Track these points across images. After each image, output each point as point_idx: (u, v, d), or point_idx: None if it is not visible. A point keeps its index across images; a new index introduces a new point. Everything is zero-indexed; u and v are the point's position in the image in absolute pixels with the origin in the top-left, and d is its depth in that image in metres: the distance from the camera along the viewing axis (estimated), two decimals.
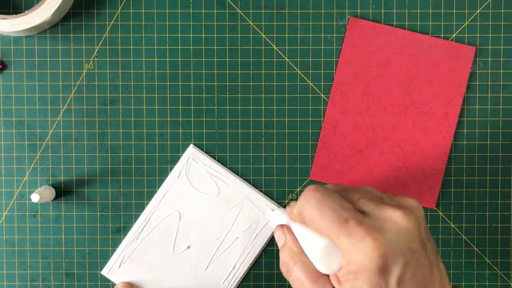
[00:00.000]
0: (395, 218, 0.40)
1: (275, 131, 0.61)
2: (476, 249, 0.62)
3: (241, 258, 0.61)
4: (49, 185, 0.61)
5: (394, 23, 0.61)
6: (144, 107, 0.61)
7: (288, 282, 0.60)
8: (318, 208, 0.41)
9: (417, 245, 0.40)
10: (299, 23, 0.61)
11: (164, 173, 0.61)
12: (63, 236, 0.61)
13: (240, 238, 0.61)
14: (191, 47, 0.61)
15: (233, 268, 0.61)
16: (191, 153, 0.61)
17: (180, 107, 0.61)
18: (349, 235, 0.39)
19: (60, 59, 0.61)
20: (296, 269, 0.45)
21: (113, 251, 0.61)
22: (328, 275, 0.43)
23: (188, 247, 0.61)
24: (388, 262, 0.39)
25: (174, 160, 0.61)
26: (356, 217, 0.40)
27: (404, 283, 0.39)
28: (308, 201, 0.42)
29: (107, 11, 0.61)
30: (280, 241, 0.48)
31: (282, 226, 0.48)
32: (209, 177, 0.61)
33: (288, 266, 0.45)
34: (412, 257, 0.40)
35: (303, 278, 0.44)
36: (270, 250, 0.61)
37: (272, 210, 0.59)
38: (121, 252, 0.61)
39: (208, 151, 0.61)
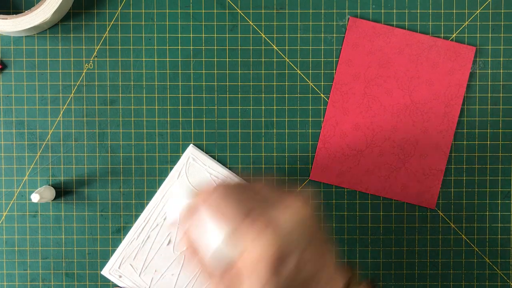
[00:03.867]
0: (289, 214, 0.42)
1: (275, 131, 0.61)
2: (476, 249, 0.62)
3: None
4: (49, 185, 0.61)
5: (394, 23, 0.61)
6: (144, 107, 0.61)
7: None
8: (224, 196, 0.43)
9: (310, 238, 0.43)
10: (299, 23, 0.61)
11: (164, 173, 0.61)
12: (63, 236, 0.61)
13: None
14: (191, 47, 0.61)
15: None
16: (191, 153, 0.61)
17: (180, 107, 0.61)
18: (250, 227, 0.42)
19: (60, 59, 0.61)
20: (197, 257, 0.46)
21: (113, 251, 0.61)
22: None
23: None
24: (288, 250, 0.41)
25: (174, 160, 0.61)
26: (257, 210, 0.42)
27: (301, 269, 0.42)
28: (216, 189, 0.44)
29: (107, 11, 0.61)
30: (182, 226, 0.48)
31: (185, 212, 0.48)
32: (209, 177, 0.61)
33: (191, 253, 0.46)
34: (305, 248, 0.42)
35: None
36: None
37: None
38: (121, 252, 0.61)
39: (208, 151, 0.61)
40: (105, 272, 0.61)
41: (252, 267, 0.41)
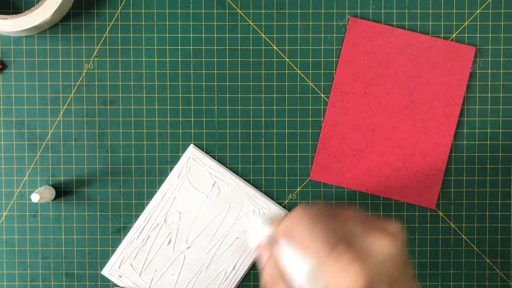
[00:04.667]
0: (382, 246, 0.41)
1: (275, 131, 0.61)
2: (476, 249, 0.62)
3: (241, 258, 0.61)
4: (49, 185, 0.61)
5: (394, 23, 0.61)
6: (144, 107, 0.61)
7: None
8: (310, 228, 0.42)
9: (398, 272, 0.41)
10: (299, 23, 0.61)
11: (164, 173, 0.61)
12: (63, 236, 0.61)
13: (240, 238, 0.61)
14: (191, 47, 0.61)
15: (233, 268, 0.61)
16: (191, 153, 0.61)
17: (180, 107, 0.61)
18: (337, 260, 0.40)
19: (60, 59, 0.61)
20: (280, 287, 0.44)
21: (113, 251, 0.61)
22: None
23: (188, 247, 0.61)
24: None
25: (174, 160, 0.61)
26: (345, 242, 0.41)
27: None
28: (300, 220, 0.42)
29: (107, 11, 0.61)
30: (263, 257, 0.47)
31: (264, 246, 0.47)
32: (209, 177, 0.61)
33: (272, 285, 0.45)
34: (394, 282, 0.41)
35: None
36: None
37: (252, 216, 0.59)
38: (121, 252, 0.61)
39: (208, 151, 0.61)
40: (105, 272, 0.61)
41: None
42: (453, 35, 0.61)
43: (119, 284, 0.61)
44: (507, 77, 0.61)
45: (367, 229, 0.42)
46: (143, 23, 0.61)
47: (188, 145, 0.61)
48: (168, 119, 0.61)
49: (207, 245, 0.61)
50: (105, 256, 0.61)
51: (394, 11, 0.61)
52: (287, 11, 0.61)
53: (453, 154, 0.61)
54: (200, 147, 0.61)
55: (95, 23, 0.61)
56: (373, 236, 0.41)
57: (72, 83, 0.61)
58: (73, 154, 0.61)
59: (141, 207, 0.61)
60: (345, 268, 0.39)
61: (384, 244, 0.41)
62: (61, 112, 0.61)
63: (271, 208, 0.61)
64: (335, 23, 0.61)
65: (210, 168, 0.61)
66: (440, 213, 0.62)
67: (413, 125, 0.61)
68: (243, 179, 0.61)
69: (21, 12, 0.58)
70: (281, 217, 0.45)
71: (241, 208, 0.61)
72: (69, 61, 0.61)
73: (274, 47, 0.61)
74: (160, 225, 0.61)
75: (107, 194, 0.61)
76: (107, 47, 0.61)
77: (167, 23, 0.61)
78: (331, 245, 0.40)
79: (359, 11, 0.61)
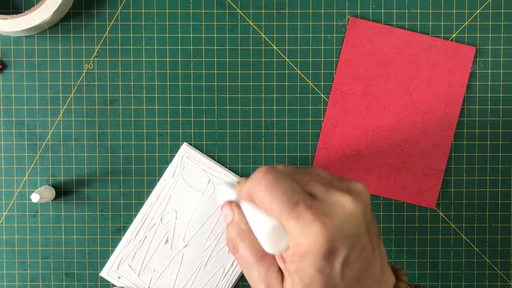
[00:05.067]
0: (344, 203, 0.41)
1: (275, 131, 0.61)
2: (476, 249, 0.62)
3: None
4: (49, 185, 0.61)
5: (394, 23, 0.61)
6: (144, 107, 0.61)
7: None
8: (269, 190, 0.41)
9: (362, 229, 0.41)
10: (299, 23, 0.61)
11: (164, 173, 0.61)
12: (63, 236, 0.61)
13: None
14: (191, 47, 0.61)
15: (232, 264, 0.61)
16: (185, 151, 0.61)
17: (180, 107, 0.61)
18: (298, 219, 0.40)
19: (60, 59, 0.61)
20: (243, 247, 0.45)
21: (113, 251, 0.61)
22: (274, 255, 0.43)
23: (186, 245, 0.61)
24: (335, 246, 0.39)
25: None
26: (305, 201, 0.40)
27: (349, 265, 0.40)
28: (260, 182, 0.42)
29: (107, 11, 0.61)
30: (227, 217, 0.47)
31: (230, 202, 0.47)
32: (204, 175, 0.61)
33: (235, 243, 0.45)
34: (357, 241, 0.40)
35: (249, 255, 0.44)
36: None
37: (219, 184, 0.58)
38: (119, 253, 0.61)
39: (208, 151, 0.61)
40: (104, 273, 0.61)
41: (299, 258, 0.40)
42: (453, 35, 0.61)
43: (118, 285, 0.61)
44: (507, 77, 0.61)
45: (330, 188, 0.42)
46: (143, 23, 0.61)
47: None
48: (168, 119, 0.61)
49: (204, 243, 0.61)
50: (105, 256, 0.61)
51: (394, 11, 0.61)
52: (287, 11, 0.61)
53: (453, 154, 0.61)
54: (200, 147, 0.61)
55: (95, 23, 0.61)
56: (335, 195, 0.41)
57: (72, 83, 0.61)
58: (73, 154, 0.61)
59: (141, 207, 0.61)
60: (305, 227, 0.39)
61: (345, 202, 0.41)
62: (61, 112, 0.61)
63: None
64: (335, 23, 0.61)
65: (205, 166, 0.61)
66: (440, 213, 0.61)
67: (413, 125, 0.61)
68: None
69: (21, 12, 0.58)
70: (246, 180, 0.45)
71: None
72: (69, 61, 0.61)
73: (274, 47, 0.61)
74: (157, 224, 0.61)
75: (107, 194, 0.61)
76: (107, 47, 0.61)
77: (167, 23, 0.61)
78: (291, 204, 0.40)
79: (359, 11, 0.61)
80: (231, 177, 0.61)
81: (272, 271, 0.43)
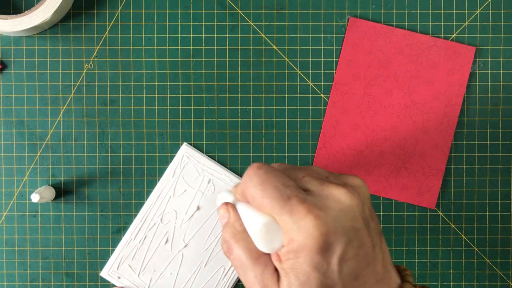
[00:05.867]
0: (338, 196, 0.39)
1: (275, 131, 0.61)
2: (476, 249, 0.62)
3: None
4: (49, 185, 0.61)
5: (394, 23, 0.61)
6: (144, 107, 0.61)
7: None
8: (260, 186, 0.40)
9: (360, 224, 0.39)
10: (299, 23, 0.61)
11: (164, 173, 0.61)
12: (63, 236, 0.61)
13: None
14: (191, 47, 0.61)
15: (232, 265, 0.61)
16: (185, 151, 0.61)
17: (180, 107, 0.61)
18: (291, 213, 0.38)
19: (60, 59, 0.61)
20: (237, 248, 0.43)
21: (113, 251, 0.61)
22: (269, 254, 0.42)
23: (186, 245, 0.61)
24: (330, 241, 0.38)
25: None
26: (298, 195, 0.39)
27: (346, 262, 0.38)
28: (251, 179, 0.41)
29: (107, 11, 0.61)
30: (223, 219, 0.45)
31: (226, 204, 0.46)
32: (204, 174, 0.61)
33: (230, 245, 0.43)
34: (354, 236, 0.39)
35: (244, 257, 0.42)
36: None
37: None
38: (119, 253, 0.61)
39: (208, 151, 0.61)
40: (104, 273, 0.61)
41: (294, 256, 0.38)
42: (453, 35, 0.61)
43: (118, 285, 0.61)
44: (507, 77, 0.61)
45: (324, 182, 0.40)
46: (143, 23, 0.61)
47: None
48: (168, 119, 0.61)
49: (204, 243, 0.61)
50: (105, 256, 0.61)
51: (394, 11, 0.61)
52: (287, 11, 0.61)
53: (453, 154, 0.61)
54: (200, 147, 0.61)
55: (95, 23, 0.61)
56: (330, 189, 0.40)
57: (72, 83, 0.61)
58: (73, 154, 0.61)
59: (141, 207, 0.61)
60: (298, 221, 0.38)
61: (340, 195, 0.39)
62: (61, 112, 0.61)
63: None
64: (335, 23, 0.61)
65: (205, 166, 0.61)
66: (440, 213, 0.61)
67: (413, 125, 0.61)
68: None
69: (21, 12, 0.58)
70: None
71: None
72: (69, 61, 0.61)
73: (274, 47, 0.61)
74: (157, 224, 0.61)
75: (107, 194, 0.61)
76: (107, 47, 0.61)
77: (167, 23, 0.61)
78: (283, 199, 0.39)
79: (359, 11, 0.61)
80: (231, 177, 0.61)
81: (267, 271, 0.41)
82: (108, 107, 0.61)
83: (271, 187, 0.40)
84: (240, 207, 0.44)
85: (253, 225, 0.41)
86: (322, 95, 0.61)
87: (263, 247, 0.40)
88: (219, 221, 0.47)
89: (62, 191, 0.61)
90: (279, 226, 0.40)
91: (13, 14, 0.58)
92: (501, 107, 0.61)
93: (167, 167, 0.61)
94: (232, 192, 0.47)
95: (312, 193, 0.40)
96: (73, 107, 0.61)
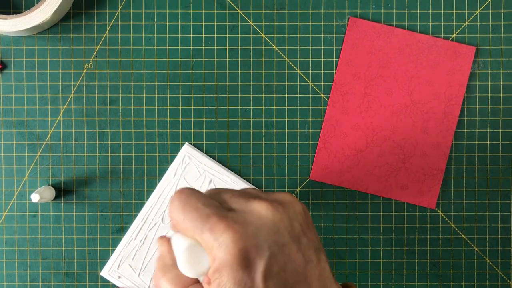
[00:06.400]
0: (259, 210, 0.39)
1: (275, 131, 0.61)
2: (476, 249, 0.62)
3: None
4: (49, 185, 0.61)
5: (394, 23, 0.61)
6: (144, 107, 0.61)
7: None
8: (181, 209, 0.39)
9: (285, 239, 0.38)
10: (299, 23, 0.61)
11: (164, 173, 0.61)
12: (63, 236, 0.61)
13: None
14: (191, 47, 0.61)
15: None
16: (186, 151, 0.61)
17: (180, 107, 0.61)
18: (211, 231, 0.37)
19: (60, 59, 0.61)
20: (163, 282, 0.41)
21: (113, 251, 0.61)
22: (199, 281, 0.40)
23: None
24: (251, 257, 0.37)
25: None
26: (218, 213, 0.38)
27: (271, 278, 0.37)
28: (173, 204, 0.40)
29: (107, 11, 0.61)
30: (157, 253, 0.45)
31: (161, 237, 0.44)
32: (205, 175, 0.61)
33: (157, 279, 0.42)
34: (279, 251, 0.38)
35: None
36: None
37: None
38: (120, 253, 0.61)
39: (208, 151, 0.61)
40: (104, 273, 0.61)
41: (219, 275, 0.37)
42: (453, 35, 0.61)
43: (118, 285, 0.61)
44: (507, 77, 0.61)
45: (249, 199, 0.40)
46: (143, 23, 0.61)
47: None
48: (168, 119, 0.61)
49: None
50: (105, 256, 0.61)
51: (394, 11, 0.61)
52: (287, 11, 0.61)
53: (453, 154, 0.61)
54: (200, 147, 0.61)
55: (95, 23, 0.61)
56: (253, 205, 0.39)
57: (72, 83, 0.61)
58: (73, 154, 0.61)
59: (141, 207, 0.61)
60: (218, 238, 0.37)
61: (261, 210, 0.38)
62: (61, 112, 0.61)
63: None
64: (335, 23, 0.61)
65: (206, 166, 0.61)
66: (440, 213, 0.61)
67: (413, 125, 0.61)
68: (244, 179, 0.61)
69: (21, 12, 0.58)
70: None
71: None
72: (69, 61, 0.61)
73: (274, 47, 0.61)
74: (158, 224, 0.61)
75: (107, 194, 0.61)
76: (107, 47, 0.61)
77: (167, 23, 0.61)
78: (204, 218, 0.38)
79: (359, 11, 0.61)
80: (233, 178, 0.61)
81: None
82: (108, 107, 0.61)
83: (191, 209, 0.39)
84: (173, 237, 0.42)
85: (177, 250, 0.40)
86: (322, 95, 0.61)
87: (188, 272, 0.39)
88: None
89: (62, 191, 0.61)
90: (202, 248, 0.39)
91: (13, 14, 0.58)
92: (501, 107, 0.61)
93: (167, 167, 0.61)
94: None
95: (235, 210, 0.39)
96: (73, 107, 0.61)
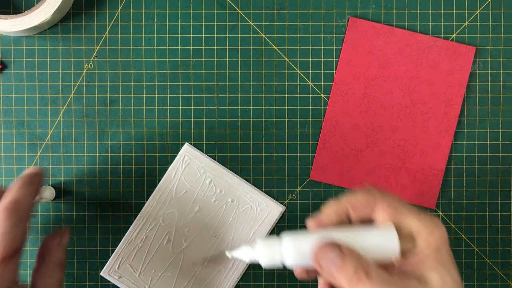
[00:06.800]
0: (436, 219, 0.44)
1: (275, 131, 0.61)
2: (476, 249, 0.62)
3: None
4: (49, 185, 0.61)
5: (394, 23, 0.61)
6: (144, 107, 0.61)
7: (287, 282, 0.61)
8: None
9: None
10: (299, 23, 0.61)
11: (164, 173, 0.61)
12: None
13: (238, 235, 0.61)
14: (191, 47, 0.61)
15: (232, 265, 0.61)
16: (186, 151, 0.61)
17: (180, 107, 0.61)
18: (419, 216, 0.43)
19: (60, 59, 0.61)
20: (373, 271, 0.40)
21: (113, 251, 0.61)
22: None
23: (186, 245, 0.61)
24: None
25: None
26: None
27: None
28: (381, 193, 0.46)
29: (107, 11, 0.61)
30: (331, 263, 0.41)
31: (328, 245, 0.41)
32: (205, 175, 0.61)
33: (360, 274, 0.40)
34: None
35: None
36: None
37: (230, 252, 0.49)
38: (120, 253, 0.61)
39: (208, 151, 0.61)
40: (104, 273, 0.61)
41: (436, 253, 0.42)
42: (453, 35, 0.61)
43: (118, 285, 0.61)
44: (507, 77, 0.61)
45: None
46: (143, 23, 0.61)
47: None
48: (168, 119, 0.61)
49: (205, 243, 0.61)
50: (105, 256, 0.61)
51: (394, 11, 0.61)
52: (287, 11, 0.61)
53: (453, 154, 0.61)
54: (200, 147, 0.61)
55: (95, 23, 0.61)
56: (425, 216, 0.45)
57: (72, 83, 0.61)
58: (73, 154, 0.61)
59: (141, 207, 0.61)
60: (428, 221, 0.44)
61: (437, 220, 0.44)
62: (61, 112, 0.61)
63: (268, 204, 0.61)
64: (335, 23, 0.61)
65: (206, 166, 0.61)
66: (440, 213, 0.61)
67: (413, 125, 0.61)
68: (244, 179, 0.61)
69: (21, 12, 0.58)
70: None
71: (238, 205, 0.61)
72: (69, 61, 0.61)
73: (274, 47, 0.61)
74: (158, 224, 0.61)
75: (107, 194, 0.61)
76: (107, 47, 0.61)
77: (167, 23, 0.61)
78: (407, 206, 0.45)
79: (359, 11, 0.61)
80: (233, 178, 0.61)
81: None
82: (108, 107, 0.61)
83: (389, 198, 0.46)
84: (347, 232, 0.43)
85: (382, 239, 0.42)
86: (322, 95, 0.61)
87: (394, 253, 0.42)
88: (322, 270, 0.42)
89: (62, 191, 0.61)
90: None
91: (13, 14, 0.58)
92: (501, 107, 0.61)
93: (167, 167, 0.61)
94: (308, 224, 0.45)
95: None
96: (73, 107, 0.61)
